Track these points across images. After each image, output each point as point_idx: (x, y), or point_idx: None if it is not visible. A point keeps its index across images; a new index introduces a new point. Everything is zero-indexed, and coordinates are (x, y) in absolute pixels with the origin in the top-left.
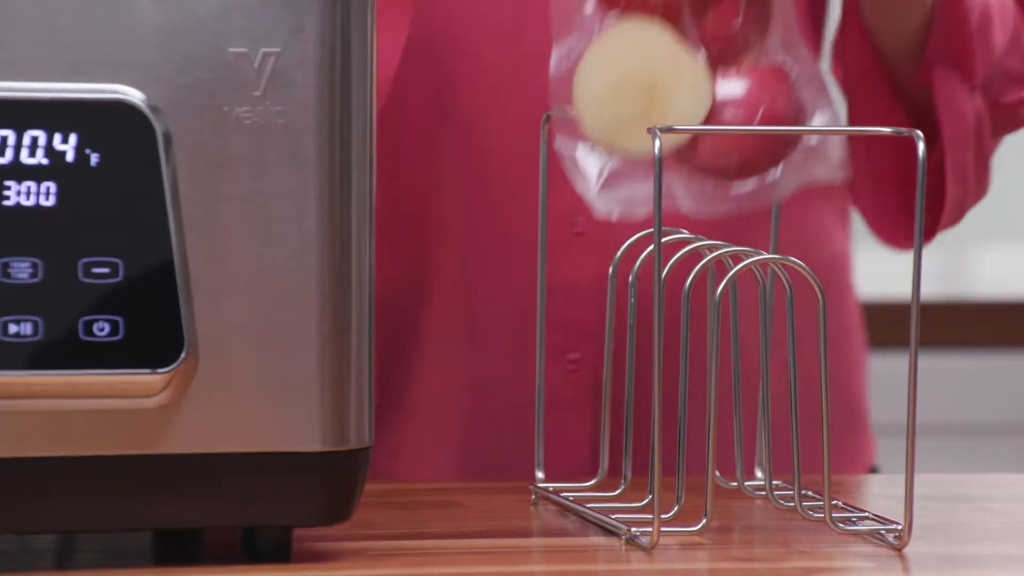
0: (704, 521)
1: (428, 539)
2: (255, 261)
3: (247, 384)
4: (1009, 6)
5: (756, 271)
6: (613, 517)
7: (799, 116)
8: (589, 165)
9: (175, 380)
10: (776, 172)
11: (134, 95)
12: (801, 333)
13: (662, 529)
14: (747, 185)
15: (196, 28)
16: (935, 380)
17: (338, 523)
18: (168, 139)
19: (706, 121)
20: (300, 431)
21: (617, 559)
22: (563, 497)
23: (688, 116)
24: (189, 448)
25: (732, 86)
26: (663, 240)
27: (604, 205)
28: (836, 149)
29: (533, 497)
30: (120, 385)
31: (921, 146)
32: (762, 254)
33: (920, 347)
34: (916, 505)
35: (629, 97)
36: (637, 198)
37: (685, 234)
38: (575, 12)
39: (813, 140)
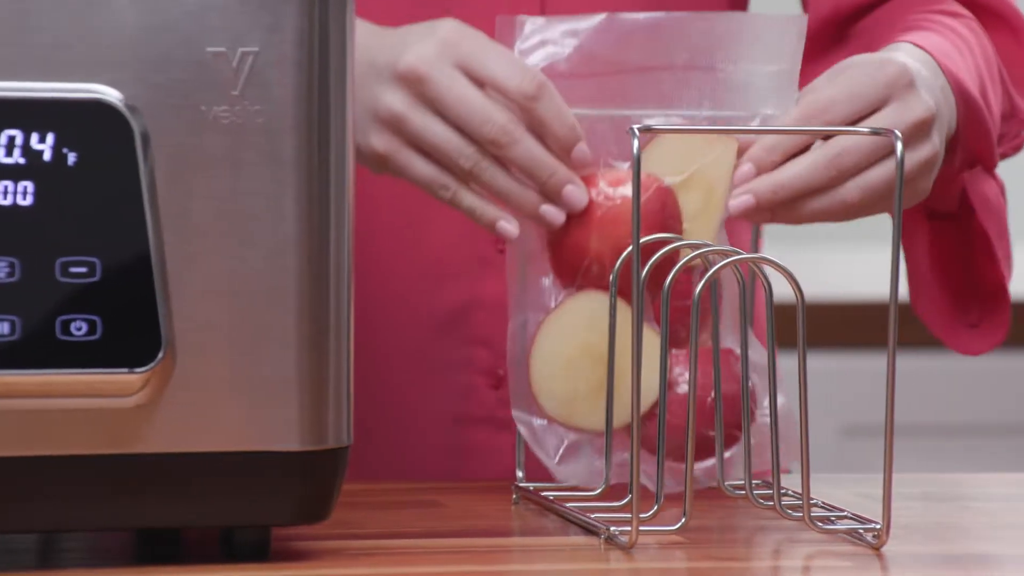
0: (683, 520)
1: (407, 538)
2: (233, 260)
3: (225, 383)
4: (988, 49)
5: (735, 271)
6: (593, 516)
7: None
8: (547, 438)
9: (153, 379)
10: (728, 454)
11: (112, 95)
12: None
13: (641, 528)
14: (699, 465)
15: (174, 28)
16: (934, 380)
17: (316, 522)
18: (146, 139)
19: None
20: (278, 430)
21: (596, 558)
22: (543, 497)
23: (643, 391)
24: (167, 448)
25: (682, 365)
26: (643, 240)
27: (564, 476)
28: (790, 436)
29: (514, 496)
30: (98, 384)
31: (899, 145)
32: (742, 253)
33: (919, 347)
34: (896, 505)
35: (585, 372)
36: (595, 472)
37: (668, 235)
38: (531, 288)
39: (765, 429)
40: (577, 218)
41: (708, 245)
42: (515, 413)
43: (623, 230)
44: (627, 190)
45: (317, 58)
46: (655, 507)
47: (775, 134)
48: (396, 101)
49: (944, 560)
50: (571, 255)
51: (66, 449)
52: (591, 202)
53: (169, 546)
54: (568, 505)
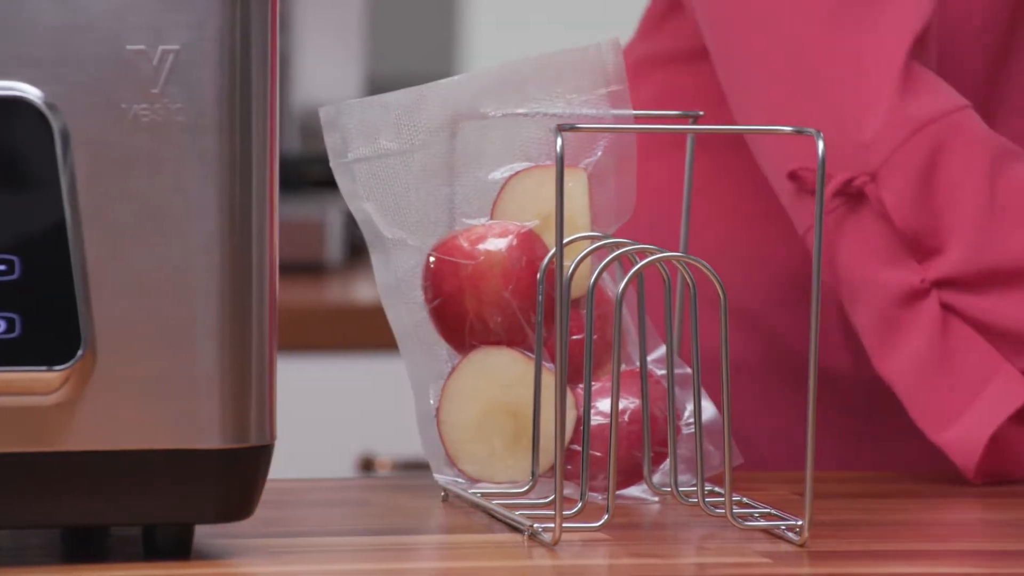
0: (605, 517)
1: (333, 536)
2: (154, 258)
3: (146, 381)
4: None
5: (661, 268)
6: (518, 514)
7: (665, 416)
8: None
9: (72, 377)
10: (656, 476)
11: (31, 92)
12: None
13: (565, 525)
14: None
15: (94, 25)
16: None
17: (238, 520)
18: (66, 137)
19: (576, 434)
20: (200, 428)
21: (519, 555)
22: (471, 494)
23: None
24: (87, 445)
25: (597, 395)
26: (566, 241)
27: None
28: (714, 458)
29: (443, 494)
30: (17, 382)
31: (820, 144)
32: (665, 251)
33: None
34: (828, 502)
35: (496, 429)
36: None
37: (596, 233)
38: (428, 359)
39: (686, 447)
40: (448, 282)
41: (632, 243)
42: (437, 478)
43: (493, 282)
44: (489, 245)
45: (239, 56)
46: (579, 504)
47: (705, 132)
48: None
49: (864, 557)
50: (452, 320)
51: None
52: (457, 264)
53: (94, 544)
54: (494, 503)
